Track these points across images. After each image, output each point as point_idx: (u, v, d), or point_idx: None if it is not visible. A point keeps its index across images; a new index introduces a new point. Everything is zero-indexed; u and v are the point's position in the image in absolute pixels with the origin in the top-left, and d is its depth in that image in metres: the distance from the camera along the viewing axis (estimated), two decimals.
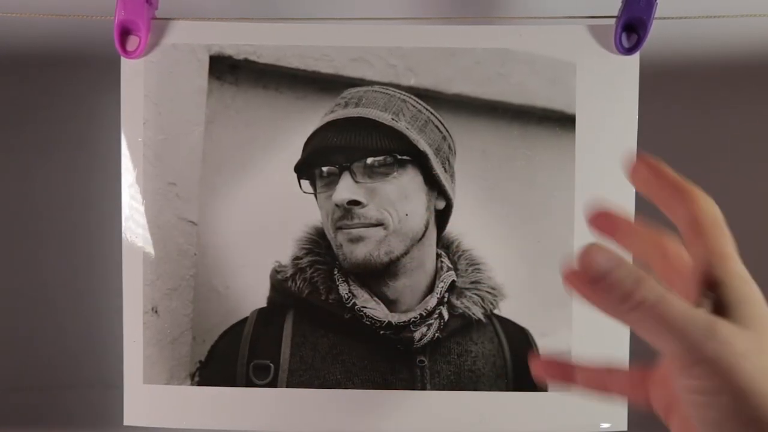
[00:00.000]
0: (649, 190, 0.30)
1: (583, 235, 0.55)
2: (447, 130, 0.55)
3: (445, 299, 0.55)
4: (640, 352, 0.54)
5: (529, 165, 0.56)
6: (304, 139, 0.55)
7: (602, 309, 0.26)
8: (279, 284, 0.55)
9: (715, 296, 0.27)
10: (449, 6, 0.64)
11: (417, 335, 0.55)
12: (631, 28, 0.54)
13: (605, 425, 0.55)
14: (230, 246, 0.55)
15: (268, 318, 0.55)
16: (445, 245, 0.55)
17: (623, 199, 0.54)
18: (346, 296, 0.54)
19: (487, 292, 0.55)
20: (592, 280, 0.25)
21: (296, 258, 0.55)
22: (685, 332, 0.25)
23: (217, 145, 0.55)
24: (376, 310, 0.54)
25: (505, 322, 0.55)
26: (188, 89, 0.55)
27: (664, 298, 0.25)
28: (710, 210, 0.29)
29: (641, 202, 0.54)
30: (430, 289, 0.55)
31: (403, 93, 0.55)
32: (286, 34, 0.55)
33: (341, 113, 0.55)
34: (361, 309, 0.54)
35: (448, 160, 0.55)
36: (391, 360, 0.54)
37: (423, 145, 0.54)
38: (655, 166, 0.30)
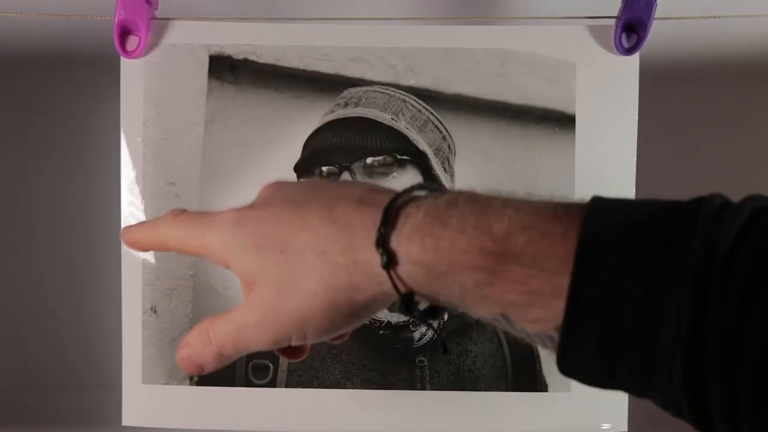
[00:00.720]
0: (145, 246, 0.35)
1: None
2: (447, 130, 0.55)
3: None
4: None
5: (529, 165, 0.56)
6: (304, 139, 0.55)
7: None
8: None
9: None
10: (449, 6, 0.64)
11: (416, 335, 0.54)
12: (631, 29, 0.54)
13: (605, 425, 0.55)
14: None
15: None
16: None
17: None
18: None
19: None
20: (199, 370, 0.32)
21: None
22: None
23: (217, 145, 0.55)
24: None
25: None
26: (188, 89, 0.55)
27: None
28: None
29: None
30: None
31: (403, 93, 0.55)
32: (286, 34, 0.55)
33: (341, 113, 0.55)
34: None
35: (448, 160, 0.55)
36: (390, 360, 0.54)
37: (423, 145, 0.54)
38: (127, 230, 0.35)
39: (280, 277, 0.29)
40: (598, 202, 0.25)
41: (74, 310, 0.67)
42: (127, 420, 0.55)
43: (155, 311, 0.55)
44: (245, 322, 0.30)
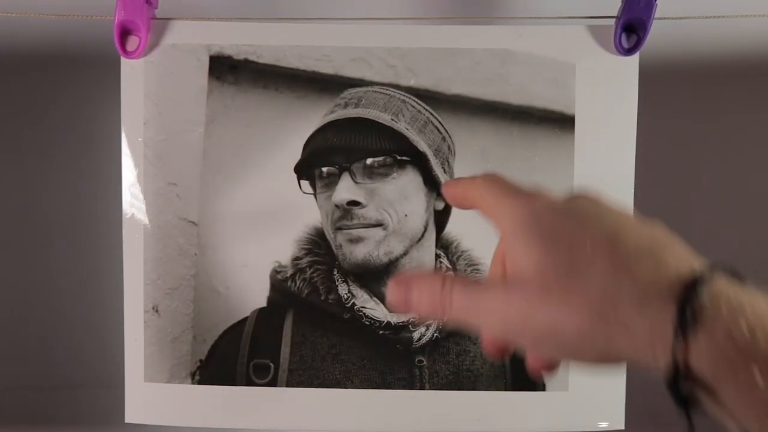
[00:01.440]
0: (461, 203, 0.35)
1: None
2: (446, 131, 0.55)
3: None
4: None
5: (528, 165, 0.56)
6: (304, 140, 0.55)
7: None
8: (279, 284, 0.55)
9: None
10: (449, 6, 0.64)
11: (416, 335, 0.55)
12: (631, 29, 0.54)
13: (603, 424, 0.55)
14: (230, 246, 0.55)
15: (268, 318, 0.55)
16: (444, 246, 0.56)
17: (622, 198, 0.54)
18: (346, 296, 0.55)
19: None
20: (406, 310, 0.31)
21: (296, 258, 0.55)
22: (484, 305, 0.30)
23: (217, 145, 0.56)
24: (375, 310, 0.55)
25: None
26: (188, 89, 0.55)
27: (459, 295, 0.30)
28: (487, 178, 0.33)
29: (641, 202, 0.54)
30: None
31: (403, 93, 0.55)
32: (286, 34, 0.55)
33: (341, 113, 0.55)
34: (361, 309, 0.55)
35: (448, 161, 0.55)
36: (390, 360, 0.55)
37: (423, 145, 0.54)
38: (451, 184, 0.35)
39: (553, 274, 0.27)
40: None
41: (76, 309, 0.67)
42: (129, 417, 0.56)
43: (157, 310, 0.55)
44: (492, 301, 0.29)
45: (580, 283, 0.27)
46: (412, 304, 0.30)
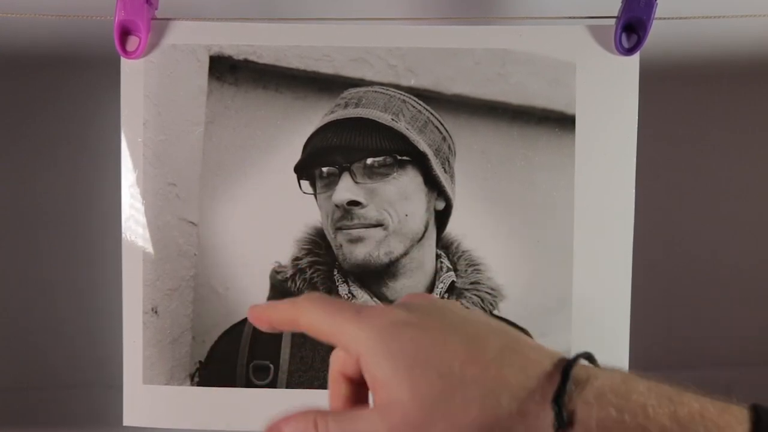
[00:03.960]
0: (287, 328, 0.34)
1: (583, 236, 0.55)
2: (447, 131, 0.55)
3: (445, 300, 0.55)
4: (640, 353, 0.54)
5: (528, 165, 0.56)
6: (304, 140, 0.55)
7: None
8: (279, 285, 0.55)
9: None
10: (449, 6, 0.64)
11: None
12: (631, 29, 0.54)
13: None
14: (230, 246, 0.55)
15: None
16: (444, 246, 0.55)
17: (622, 199, 0.54)
18: (346, 297, 0.54)
19: (487, 292, 0.55)
20: None
21: (296, 258, 0.55)
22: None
23: (217, 145, 0.55)
24: None
25: (505, 323, 0.55)
26: (188, 90, 0.55)
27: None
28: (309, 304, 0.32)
29: (641, 202, 0.54)
30: (430, 289, 0.55)
31: (403, 93, 0.55)
32: (286, 34, 0.55)
33: (341, 114, 0.55)
34: None
35: (448, 161, 0.55)
36: None
37: (423, 145, 0.54)
38: (268, 310, 0.34)
39: (431, 400, 0.28)
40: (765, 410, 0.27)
41: (75, 310, 0.67)
42: (128, 420, 0.55)
43: (156, 312, 0.55)
44: (372, 430, 0.29)
45: (460, 405, 0.27)
46: None
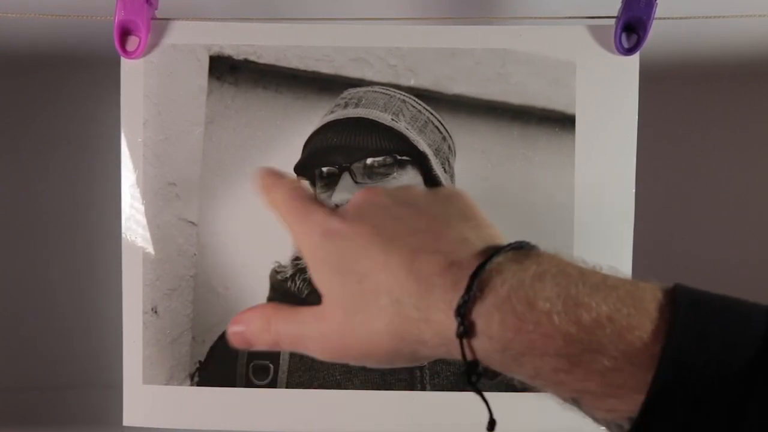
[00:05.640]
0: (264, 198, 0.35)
1: (583, 236, 0.55)
2: (447, 131, 0.55)
3: None
4: None
5: (528, 165, 0.56)
6: (304, 140, 0.55)
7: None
8: (279, 285, 0.55)
9: None
10: (449, 6, 0.64)
11: None
12: (631, 29, 0.54)
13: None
14: (230, 246, 0.55)
15: None
16: None
17: (622, 199, 0.54)
18: None
19: None
20: (246, 347, 0.33)
21: (296, 258, 0.55)
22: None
23: (217, 145, 0.55)
24: None
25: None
26: (188, 89, 0.55)
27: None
28: None
29: (641, 202, 0.54)
30: None
31: (403, 93, 0.55)
32: (286, 34, 0.55)
33: (341, 114, 0.55)
34: None
35: (448, 161, 0.55)
36: None
37: (423, 145, 0.54)
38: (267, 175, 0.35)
39: (351, 306, 0.29)
40: (686, 298, 0.25)
41: (75, 310, 0.67)
42: (127, 420, 0.55)
43: (156, 311, 0.55)
44: (309, 331, 0.31)
45: (374, 312, 0.29)
46: (250, 342, 0.33)
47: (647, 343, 0.24)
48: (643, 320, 0.24)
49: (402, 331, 0.28)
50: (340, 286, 0.30)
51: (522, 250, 0.29)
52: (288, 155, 0.55)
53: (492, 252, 0.28)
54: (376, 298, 0.29)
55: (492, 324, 0.26)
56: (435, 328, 0.28)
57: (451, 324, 0.27)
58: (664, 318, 0.24)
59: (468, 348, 0.27)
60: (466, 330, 0.26)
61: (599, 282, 0.26)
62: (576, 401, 0.26)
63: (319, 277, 0.31)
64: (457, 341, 0.27)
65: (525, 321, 0.25)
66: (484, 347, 0.27)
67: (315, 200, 0.33)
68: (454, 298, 0.27)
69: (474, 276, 0.27)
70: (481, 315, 0.26)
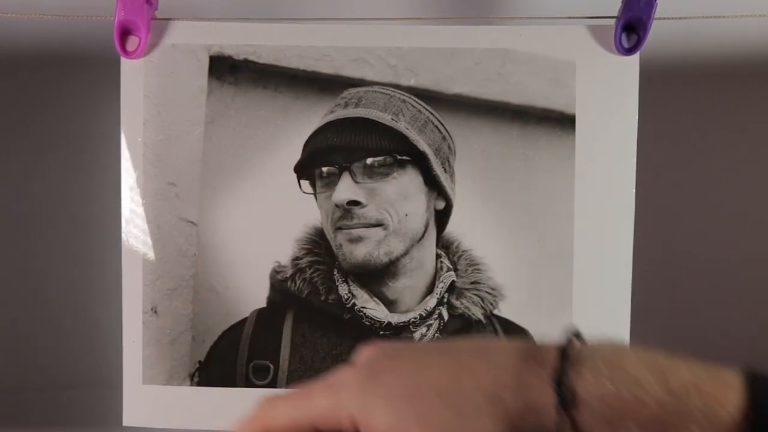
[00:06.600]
0: None
1: (583, 236, 0.55)
2: (447, 131, 0.55)
3: (445, 300, 0.55)
4: None
5: (528, 165, 0.56)
6: (304, 140, 0.55)
7: None
8: (279, 284, 0.55)
9: None
10: (449, 6, 0.64)
11: (417, 336, 0.54)
12: (631, 29, 0.54)
13: None
14: (230, 246, 0.55)
15: (267, 318, 0.55)
16: (444, 245, 0.55)
17: (622, 199, 0.54)
18: (346, 296, 0.54)
19: (487, 292, 0.55)
20: None
21: (296, 258, 0.55)
22: None
23: (217, 145, 0.55)
24: (375, 310, 0.54)
25: (505, 323, 0.55)
26: (188, 89, 0.55)
27: None
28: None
29: (641, 202, 0.54)
30: (430, 289, 0.55)
31: (403, 93, 0.55)
32: (286, 34, 0.55)
33: (341, 113, 0.55)
34: (361, 309, 0.54)
35: (448, 161, 0.55)
36: None
37: (423, 145, 0.54)
38: None
39: (443, 423, 0.27)
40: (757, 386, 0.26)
41: (75, 310, 0.67)
42: (127, 420, 0.55)
43: (156, 311, 0.55)
44: None
45: (470, 416, 0.27)
46: None
47: (728, 410, 0.25)
48: (724, 389, 0.26)
49: (505, 427, 0.27)
50: (419, 409, 0.28)
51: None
52: (288, 155, 0.55)
53: (566, 338, 0.28)
54: (468, 401, 0.27)
55: (591, 391, 0.26)
56: (536, 408, 0.27)
57: (549, 399, 0.26)
58: (743, 387, 0.25)
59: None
60: (566, 401, 0.26)
61: (667, 355, 0.27)
62: None
63: (385, 417, 0.28)
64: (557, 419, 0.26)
65: (619, 387, 0.26)
66: (584, 418, 0.26)
67: None
68: (544, 374, 0.27)
69: (565, 347, 0.27)
70: (579, 383, 0.26)
